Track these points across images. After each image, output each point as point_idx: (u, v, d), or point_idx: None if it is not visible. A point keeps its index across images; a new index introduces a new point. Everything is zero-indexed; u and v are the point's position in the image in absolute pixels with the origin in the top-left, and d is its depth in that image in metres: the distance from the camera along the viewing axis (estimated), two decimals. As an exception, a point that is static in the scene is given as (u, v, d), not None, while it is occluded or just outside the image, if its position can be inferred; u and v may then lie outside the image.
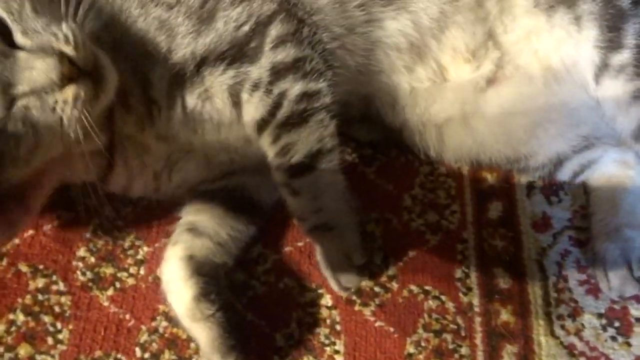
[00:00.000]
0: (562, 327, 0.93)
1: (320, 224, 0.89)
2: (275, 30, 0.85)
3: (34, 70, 0.67)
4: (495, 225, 1.02)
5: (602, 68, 0.96)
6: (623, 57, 0.94)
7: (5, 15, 0.69)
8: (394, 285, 0.96)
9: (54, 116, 0.69)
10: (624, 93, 0.95)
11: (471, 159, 1.04)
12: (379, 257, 0.97)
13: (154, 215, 1.00)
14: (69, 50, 0.69)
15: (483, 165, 1.06)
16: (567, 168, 1.03)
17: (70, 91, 0.68)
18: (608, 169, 1.02)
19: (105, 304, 0.92)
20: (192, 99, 0.85)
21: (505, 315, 0.94)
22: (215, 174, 0.95)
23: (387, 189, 1.05)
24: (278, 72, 0.85)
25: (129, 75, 0.80)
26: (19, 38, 0.69)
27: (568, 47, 0.97)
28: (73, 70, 0.68)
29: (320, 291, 0.95)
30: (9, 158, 0.69)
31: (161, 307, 0.92)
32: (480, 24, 0.97)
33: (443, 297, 0.95)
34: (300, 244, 0.99)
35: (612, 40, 0.95)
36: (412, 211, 1.03)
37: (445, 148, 1.02)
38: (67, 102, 0.68)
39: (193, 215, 0.95)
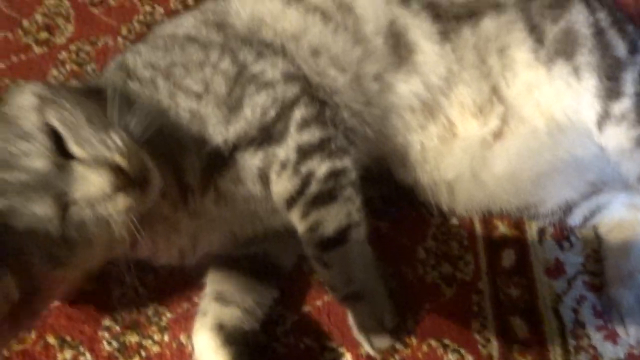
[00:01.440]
0: (583, 375, 0.94)
1: (351, 293, 0.90)
2: (299, 113, 0.87)
3: (88, 182, 0.69)
4: (509, 274, 1.04)
5: (604, 116, 0.97)
6: (623, 105, 0.96)
7: (60, 127, 0.72)
8: (413, 341, 0.97)
9: (103, 223, 0.71)
10: (628, 140, 0.97)
11: (482, 210, 1.06)
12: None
13: (175, 281, 1.02)
14: (121, 161, 0.71)
15: (494, 214, 1.08)
16: (577, 214, 1.05)
17: (121, 201, 0.71)
18: (618, 213, 1.03)
19: (132, 373, 0.94)
20: (224, 183, 0.87)
21: (525, 365, 0.95)
22: (239, 243, 0.97)
23: (401, 242, 1.07)
24: (305, 153, 0.87)
25: (163, 163, 0.81)
26: (72, 148, 0.71)
27: (569, 98, 0.99)
28: (124, 181, 0.71)
29: (340, 350, 0.96)
30: (59, 264, 0.70)
31: (186, 374, 0.94)
32: (485, 79, 1.00)
33: (462, 350, 0.96)
34: (318, 303, 1.00)
35: (611, 89, 0.96)
36: (426, 264, 1.04)
37: (456, 203, 1.04)
38: (117, 210, 0.71)
39: (218, 283, 0.97)
